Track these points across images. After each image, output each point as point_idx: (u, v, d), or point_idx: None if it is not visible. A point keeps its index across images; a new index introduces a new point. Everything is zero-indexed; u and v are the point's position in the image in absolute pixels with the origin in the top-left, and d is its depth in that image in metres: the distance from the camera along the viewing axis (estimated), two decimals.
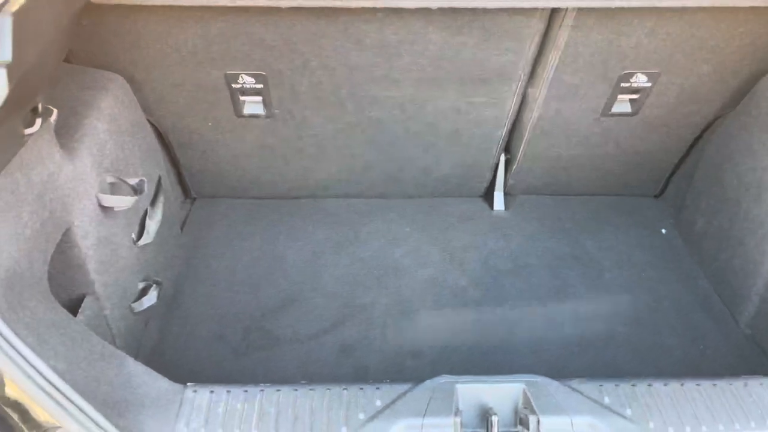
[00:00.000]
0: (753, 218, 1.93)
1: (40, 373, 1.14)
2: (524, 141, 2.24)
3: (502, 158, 2.40)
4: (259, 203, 2.48)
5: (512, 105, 2.08)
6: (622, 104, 2.09)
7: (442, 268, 2.24)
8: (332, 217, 2.44)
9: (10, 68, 1.14)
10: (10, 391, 1.14)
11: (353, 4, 1.62)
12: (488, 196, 2.53)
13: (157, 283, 1.92)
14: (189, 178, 2.41)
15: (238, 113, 2.07)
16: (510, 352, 1.91)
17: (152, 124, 2.10)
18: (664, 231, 2.42)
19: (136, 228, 1.86)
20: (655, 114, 2.14)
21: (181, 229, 2.36)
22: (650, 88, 2.02)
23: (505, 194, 2.52)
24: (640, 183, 2.53)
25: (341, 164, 2.33)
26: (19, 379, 1.11)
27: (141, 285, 1.87)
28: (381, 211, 2.47)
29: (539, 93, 2.02)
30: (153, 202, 1.99)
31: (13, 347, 1.12)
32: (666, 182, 2.53)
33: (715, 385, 1.34)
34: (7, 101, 1.15)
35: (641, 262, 2.26)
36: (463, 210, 2.50)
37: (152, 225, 1.92)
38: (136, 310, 1.81)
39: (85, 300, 1.58)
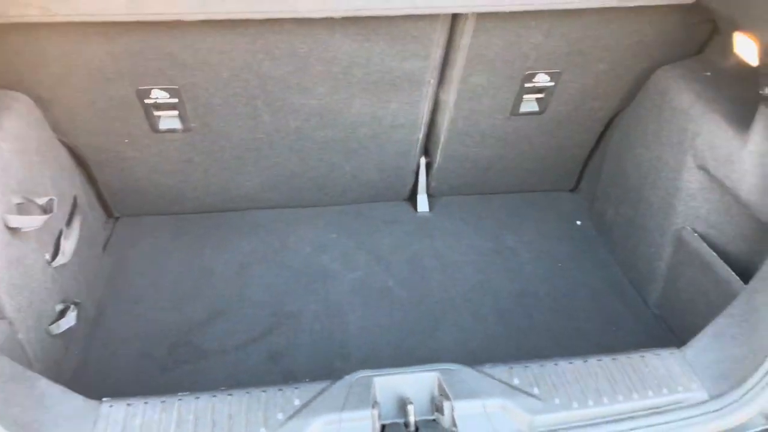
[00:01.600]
0: (652, 204, 2.06)
1: None
2: (441, 143, 2.32)
3: (423, 161, 2.47)
4: (184, 218, 2.46)
5: (425, 109, 2.15)
6: (530, 103, 2.20)
7: (370, 271, 2.28)
8: (259, 228, 2.45)
9: None
10: None
11: (258, 16, 1.65)
12: (412, 198, 2.59)
13: (76, 305, 1.88)
14: (110, 197, 2.37)
15: (154, 129, 2.06)
16: (436, 347, 1.96)
17: (65, 144, 2.07)
18: (579, 223, 2.54)
19: (51, 248, 1.82)
20: (561, 111, 2.26)
21: (104, 249, 2.31)
22: (553, 87, 2.13)
23: (429, 196, 2.59)
24: (555, 178, 2.65)
25: (264, 175, 2.35)
26: None
27: (59, 307, 1.83)
28: (308, 219, 2.50)
29: (450, 96, 2.10)
30: (69, 222, 1.95)
31: None
32: (579, 176, 2.66)
33: (614, 359, 1.42)
34: None
35: (558, 253, 2.37)
36: (389, 213, 2.55)
37: (68, 245, 1.88)
38: (53, 333, 1.76)
39: None
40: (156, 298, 2.13)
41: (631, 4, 1.75)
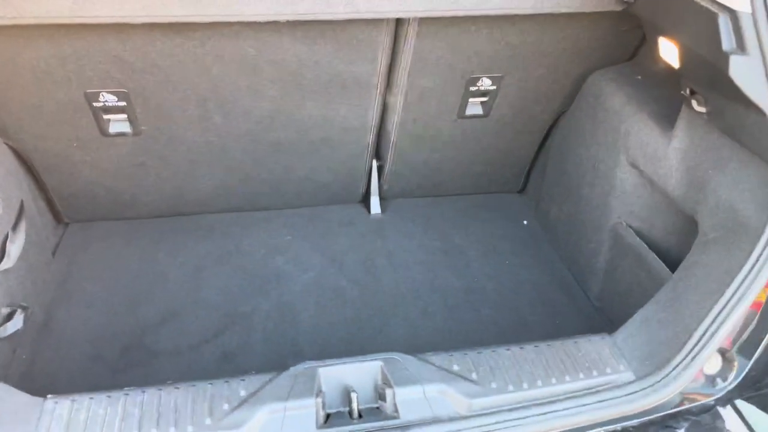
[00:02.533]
0: (590, 202, 2.16)
1: None
2: (391, 146, 2.38)
3: (375, 164, 2.53)
4: (137, 223, 2.46)
5: (375, 111, 2.21)
6: (474, 106, 2.28)
7: (323, 272, 2.32)
8: (213, 231, 2.46)
9: None
10: None
11: (204, 19, 1.69)
12: (366, 201, 2.65)
13: (24, 308, 1.87)
14: (59, 202, 2.35)
15: (104, 132, 2.07)
16: (385, 342, 2.01)
17: (12, 148, 2.06)
18: (525, 222, 2.63)
19: None
20: (506, 114, 2.34)
21: (54, 254, 2.30)
22: (496, 90, 2.21)
23: (381, 198, 2.65)
24: (503, 180, 2.74)
25: (218, 178, 2.37)
26: None
27: (5, 311, 1.82)
28: (263, 223, 2.52)
29: (398, 99, 2.17)
30: (14, 227, 1.94)
31: None
32: (526, 178, 2.76)
33: (549, 345, 1.49)
34: None
35: (505, 251, 2.45)
36: (343, 215, 2.60)
37: (13, 249, 1.87)
38: (0, 336, 1.75)
39: None
40: (108, 301, 2.13)
41: (562, 11, 1.85)
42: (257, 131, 2.19)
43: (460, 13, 1.82)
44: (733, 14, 1.43)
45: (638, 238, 1.94)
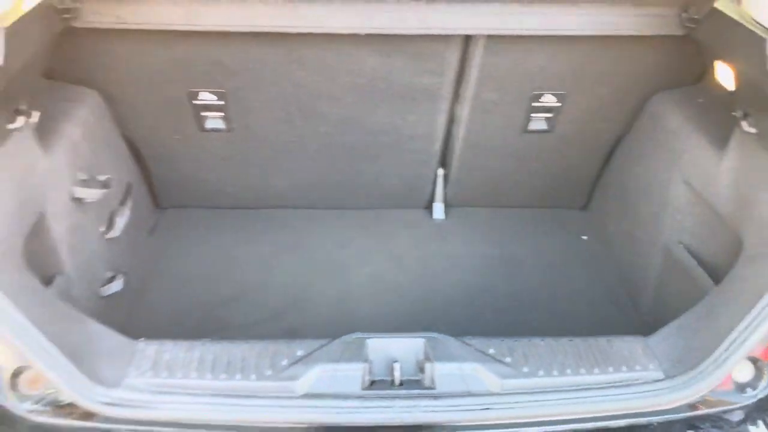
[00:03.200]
0: (645, 217, 2.22)
1: (15, 320, 1.37)
2: (456, 155, 2.54)
3: (440, 172, 2.69)
4: (222, 212, 2.74)
5: (442, 121, 2.38)
6: (539, 122, 2.40)
7: (383, 267, 2.49)
8: (286, 225, 2.70)
9: (2, 65, 1.42)
10: None
11: (294, 30, 1.93)
12: (430, 206, 2.81)
13: (124, 274, 2.16)
14: (159, 188, 2.67)
15: (201, 128, 2.35)
16: (433, 330, 2.15)
17: (125, 137, 2.38)
18: (585, 238, 2.70)
19: (105, 223, 2.11)
20: (569, 131, 2.44)
21: (150, 233, 2.61)
22: (560, 107, 2.33)
23: (446, 205, 2.80)
24: (565, 196, 2.82)
25: (294, 175, 2.61)
26: None
27: (109, 274, 2.11)
28: (332, 220, 2.74)
29: (464, 111, 2.32)
30: (122, 203, 2.24)
31: None
32: (589, 195, 2.83)
33: (584, 340, 1.59)
34: None
35: (561, 264, 2.54)
36: (407, 219, 2.77)
37: (120, 221, 2.17)
38: (103, 294, 2.04)
39: (56, 279, 1.81)
40: (191, 278, 2.40)
41: (623, 33, 1.95)
42: (333, 134, 2.41)
43: (525, 32, 1.96)
44: None
45: (688, 254, 1.99)
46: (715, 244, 1.93)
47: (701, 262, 1.94)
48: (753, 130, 1.70)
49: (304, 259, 2.52)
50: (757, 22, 1.61)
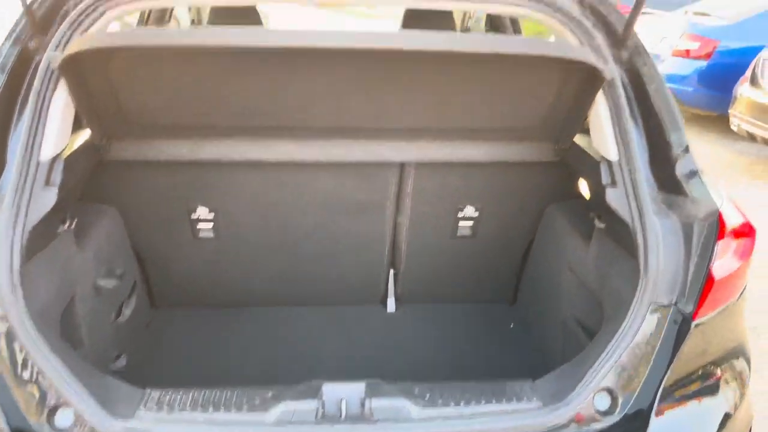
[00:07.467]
0: (549, 302, 2.80)
1: (56, 368, 1.85)
2: (402, 258, 3.14)
3: (392, 272, 3.28)
4: (207, 311, 3.25)
5: (389, 230, 3.01)
6: (464, 229, 3.04)
7: (344, 353, 2.98)
8: (260, 321, 3.21)
9: (59, 188, 2.02)
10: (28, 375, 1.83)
11: (271, 160, 2.59)
12: (385, 301, 3.36)
13: (127, 355, 2.63)
14: (155, 288, 3.19)
15: (195, 237, 2.94)
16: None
17: (132, 245, 2.95)
18: (512, 325, 3.25)
19: (115, 312, 2.62)
20: (489, 236, 3.08)
21: (146, 328, 3.09)
22: (479, 217, 2.98)
23: (397, 300, 3.35)
24: (495, 291, 3.39)
25: (269, 276, 3.16)
26: (44, 366, 1.82)
27: (115, 353, 2.59)
28: (302, 314, 3.26)
29: (405, 220, 2.96)
30: (129, 296, 2.77)
31: (42, 348, 1.85)
32: (515, 289, 3.41)
33: (488, 382, 2.09)
34: (53, 208, 2.01)
35: (488, 344, 3.06)
36: (364, 312, 3.31)
37: (127, 311, 2.68)
38: (112, 369, 2.50)
39: (78, 350, 2.29)
40: (178, 365, 2.86)
41: (512, 160, 2.66)
42: (302, 240, 3.01)
43: (442, 160, 2.66)
44: (608, 162, 2.19)
45: (577, 325, 2.55)
46: (593, 314, 2.50)
47: (584, 329, 2.50)
48: (602, 225, 2.36)
49: (275, 347, 3.01)
50: (597, 152, 2.32)
